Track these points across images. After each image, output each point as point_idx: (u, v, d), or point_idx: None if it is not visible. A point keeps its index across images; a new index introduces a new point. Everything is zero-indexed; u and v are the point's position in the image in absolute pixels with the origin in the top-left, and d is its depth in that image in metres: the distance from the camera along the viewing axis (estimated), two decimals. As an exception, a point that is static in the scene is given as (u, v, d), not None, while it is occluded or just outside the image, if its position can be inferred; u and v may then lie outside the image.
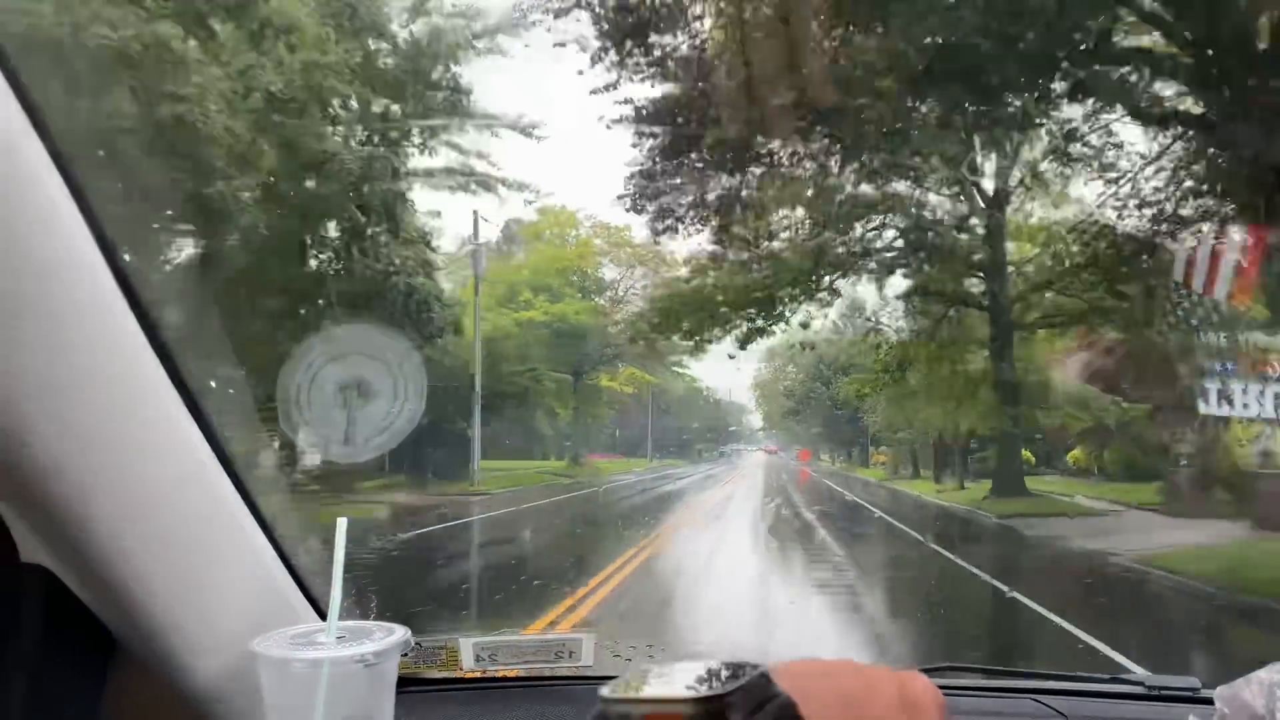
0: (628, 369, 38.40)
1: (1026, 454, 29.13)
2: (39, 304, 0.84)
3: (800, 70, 15.72)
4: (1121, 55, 15.68)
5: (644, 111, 19.22)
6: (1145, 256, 17.89)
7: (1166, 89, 15.86)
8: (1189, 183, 16.85)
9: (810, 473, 46.13)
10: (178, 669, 1.11)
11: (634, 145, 20.11)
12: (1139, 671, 2.03)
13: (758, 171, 20.58)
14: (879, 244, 23.21)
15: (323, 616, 1.14)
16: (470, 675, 1.62)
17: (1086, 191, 20.45)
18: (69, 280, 0.88)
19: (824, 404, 43.88)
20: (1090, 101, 17.03)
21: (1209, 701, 1.16)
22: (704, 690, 0.60)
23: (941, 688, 0.83)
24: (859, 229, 22.53)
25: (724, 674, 0.63)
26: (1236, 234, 14.46)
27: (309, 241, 21.03)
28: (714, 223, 21.47)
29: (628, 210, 21.48)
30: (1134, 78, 15.70)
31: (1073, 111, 17.53)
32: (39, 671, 1.06)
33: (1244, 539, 14.94)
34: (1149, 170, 17.87)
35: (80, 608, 1.05)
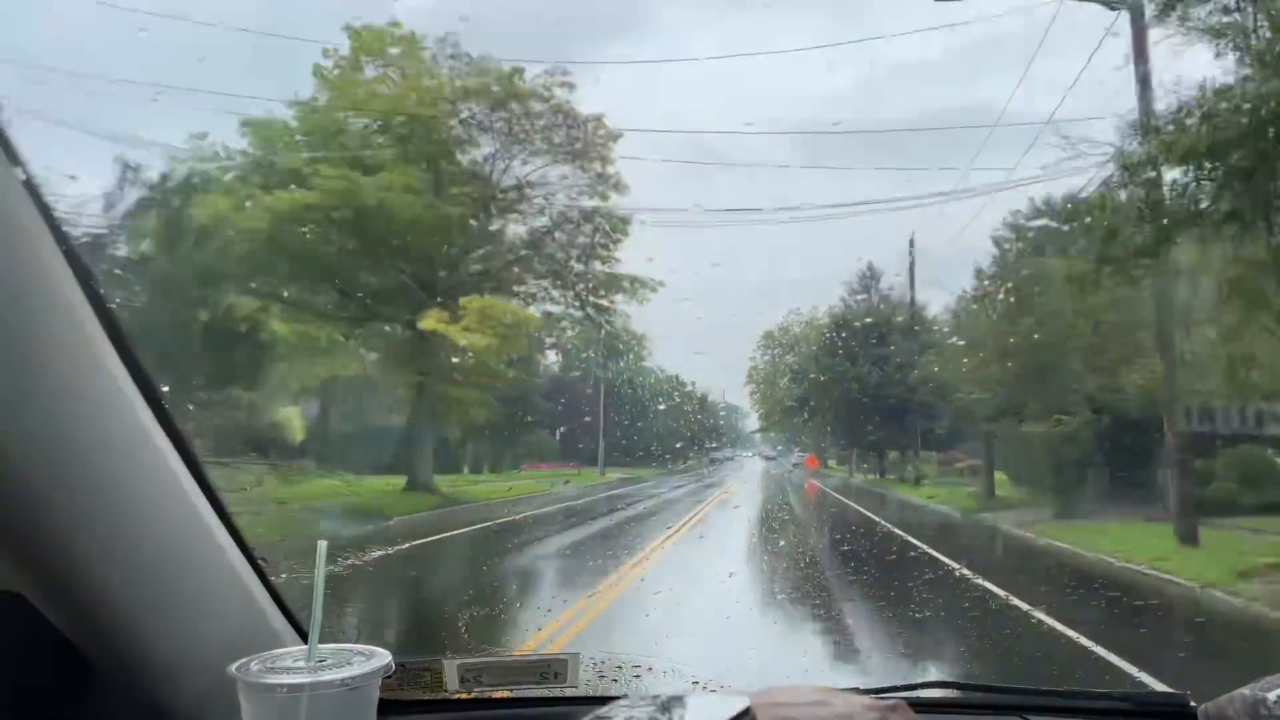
0: (481, 300, 20.76)
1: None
2: (17, 334, 0.84)
3: None
4: None
5: None
6: None
7: None
8: None
9: (818, 486, 31.40)
10: (156, 695, 1.09)
11: None
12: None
13: None
14: None
15: (304, 639, 1.12)
16: (455, 697, 1.61)
17: None
18: (47, 312, 0.88)
19: (847, 390, 29.48)
20: None
21: (1195, 717, 1.16)
22: None
23: (928, 705, 0.83)
24: None
25: (709, 709, 0.63)
26: None
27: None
28: None
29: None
30: None
31: None
32: (14, 699, 1.04)
33: None
34: None
35: (56, 634, 1.04)
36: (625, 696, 1.68)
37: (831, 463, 42.66)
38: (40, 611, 1.01)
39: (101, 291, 0.96)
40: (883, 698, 0.92)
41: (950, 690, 1.71)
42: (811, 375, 32.24)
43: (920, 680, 1.61)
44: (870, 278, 32.47)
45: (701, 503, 23.43)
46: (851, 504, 23.78)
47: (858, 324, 30.13)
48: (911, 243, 29.02)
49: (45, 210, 0.89)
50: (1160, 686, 6.70)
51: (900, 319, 30.58)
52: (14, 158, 0.84)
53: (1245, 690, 1.04)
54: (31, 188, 0.87)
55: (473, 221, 21.97)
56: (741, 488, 30.47)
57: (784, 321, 37.67)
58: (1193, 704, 1.51)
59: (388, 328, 22.96)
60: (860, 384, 29.42)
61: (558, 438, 36.58)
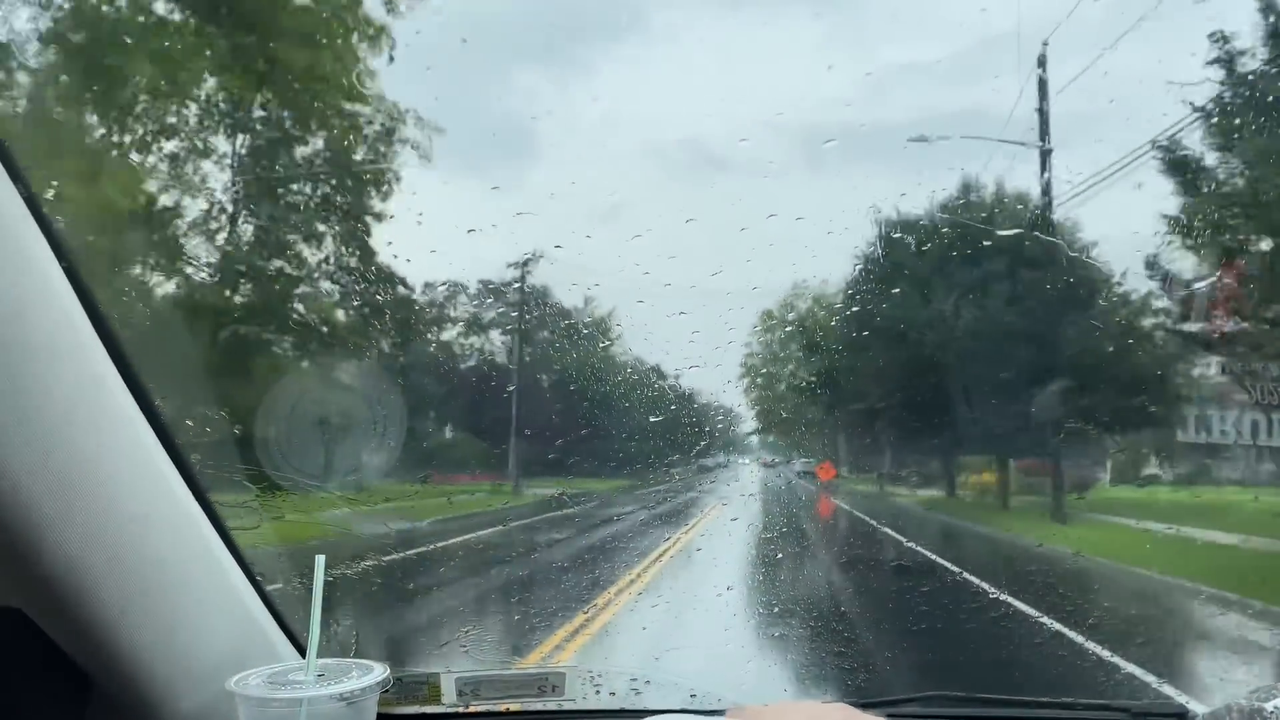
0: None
1: None
2: (13, 344, 0.84)
3: None
4: None
5: None
6: None
7: None
8: None
9: (857, 517, 18.48)
10: (155, 709, 1.09)
11: None
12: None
13: None
14: None
15: (302, 653, 1.12)
16: (452, 710, 1.61)
17: None
18: (43, 321, 0.88)
19: (917, 347, 16.56)
20: None
21: None
22: None
23: (928, 718, 0.83)
24: None
25: None
26: None
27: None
28: None
29: None
30: None
31: None
32: (14, 713, 1.04)
33: None
34: None
35: (54, 649, 1.04)
36: (623, 711, 1.68)
37: (843, 471, 31.86)
38: (39, 626, 1.01)
39: (101, 306, 0.96)
40: (895, 714, 0.93)
41: (949, 704, 1.71)
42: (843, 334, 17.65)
43: (920, 693, 1.61)
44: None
45: (611, 588, 9.47)
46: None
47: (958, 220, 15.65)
48: (1042, 63, 14.37)
49: (46, 225, 0.89)
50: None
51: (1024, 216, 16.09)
52: (15, 172, 0.85)
53: (1242, 700, 1.04)
54: (32, 202, 0.87)
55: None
56: (726, 514, 16.18)
57: (788, 296, 26.27)
58: (1191, 714, 1.52)
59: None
60: (946, 334, 15.87)
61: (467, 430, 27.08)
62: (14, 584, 0.97)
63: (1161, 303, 12.81)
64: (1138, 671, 6.37)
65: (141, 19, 14.36)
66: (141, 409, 1.04)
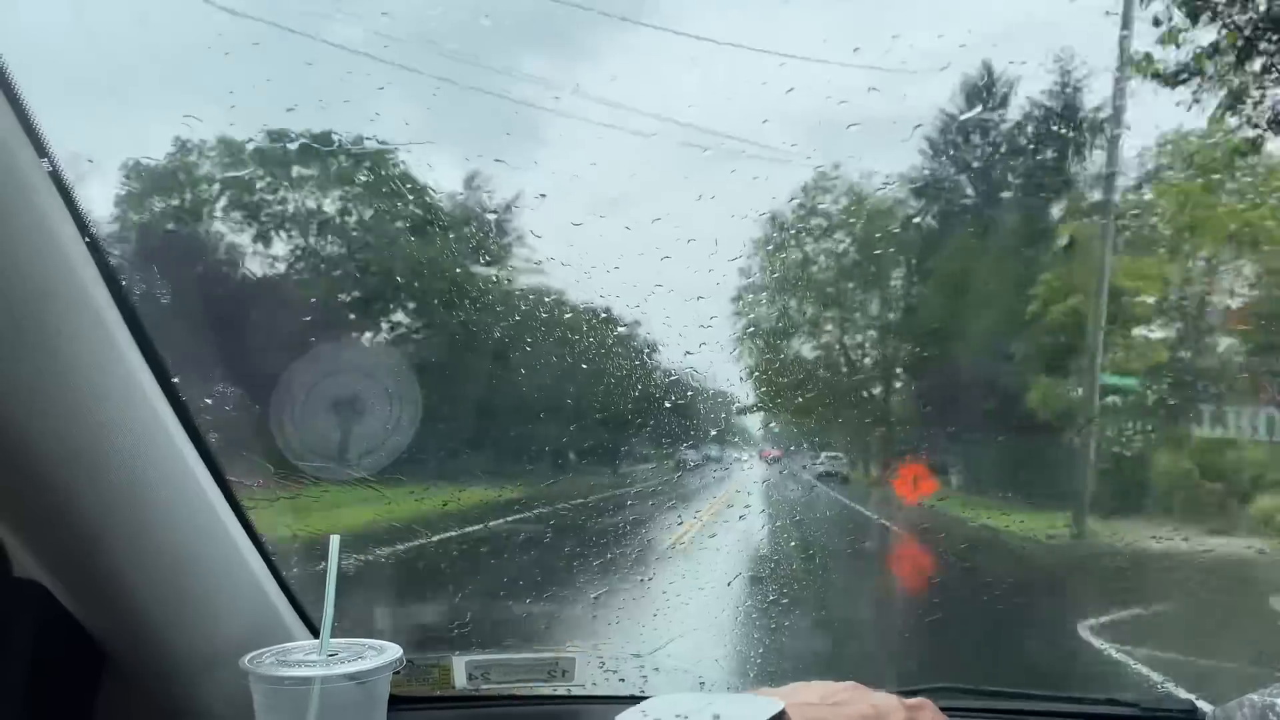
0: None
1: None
2: (36, 321, 0.84)
3: None
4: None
5: None
6: None
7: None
8: None
9: None
10: (169, 685, 1.10)
11: None
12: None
13: None
14: None
15: (315, 634, 1.13)
16: (463, 693, 1.62)
17: None
18: (66, 298, 0.88)
19: None
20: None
21: None
22: None
23: (940, 708, 0.83)
24: None
25: (742, 713, 0.62)
26: None
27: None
28: None
29: None
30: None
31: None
32: (31, 686, 1.05)
33: None
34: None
35: (73, 623, 1.05)
36: (632, 696, 1.68)
37: (953, 475, 9.44)
38: (59, 601, 1.02)
39: (124, 283, 0.97)
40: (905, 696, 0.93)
41: (959, 695, 1.71)
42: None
43: (932, 684, 1.61)
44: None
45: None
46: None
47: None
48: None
49: (70, 201, 0.89)
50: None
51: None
52: (40, 149, 0.85)
53: (1254, 696, 1.04)
54: (57, 178, 0.87)
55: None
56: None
57: (807, 196, 8.54)
58: (1201, 710, 1.51)
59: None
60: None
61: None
62: (35, 558, 0.98)
63: None
64: None
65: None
66: (161, 387, 1.04)
